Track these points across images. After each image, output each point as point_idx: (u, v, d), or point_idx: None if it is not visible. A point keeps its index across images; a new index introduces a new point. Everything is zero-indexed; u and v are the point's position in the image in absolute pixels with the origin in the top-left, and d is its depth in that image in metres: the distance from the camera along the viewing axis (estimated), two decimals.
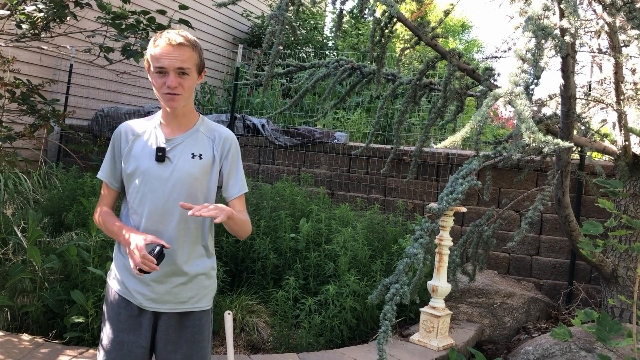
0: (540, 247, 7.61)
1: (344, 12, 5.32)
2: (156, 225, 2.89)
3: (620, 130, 5.83)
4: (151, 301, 2.93)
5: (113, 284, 3.04)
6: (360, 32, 17.41)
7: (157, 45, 2.84)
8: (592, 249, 4.26)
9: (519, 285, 7.12)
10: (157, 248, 2.75)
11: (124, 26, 5.87)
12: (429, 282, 5.82)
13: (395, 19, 5.33)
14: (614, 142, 6.07)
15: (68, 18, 5.96)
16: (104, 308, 3.08)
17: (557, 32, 3.96)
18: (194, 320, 3.02)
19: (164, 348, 2.97)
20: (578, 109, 6.14)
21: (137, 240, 2.74)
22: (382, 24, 5.38)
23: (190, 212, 2.65)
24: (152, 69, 2.88)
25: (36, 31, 5.99)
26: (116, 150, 3.02)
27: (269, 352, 5.53)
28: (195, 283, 3.00)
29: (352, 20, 18.24)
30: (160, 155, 2.91)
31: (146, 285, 2.92)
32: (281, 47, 5.08)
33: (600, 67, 6.92)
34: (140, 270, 2.71)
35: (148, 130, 3.00)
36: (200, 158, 2.96)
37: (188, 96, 2.93)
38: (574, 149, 6.24)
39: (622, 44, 5.50)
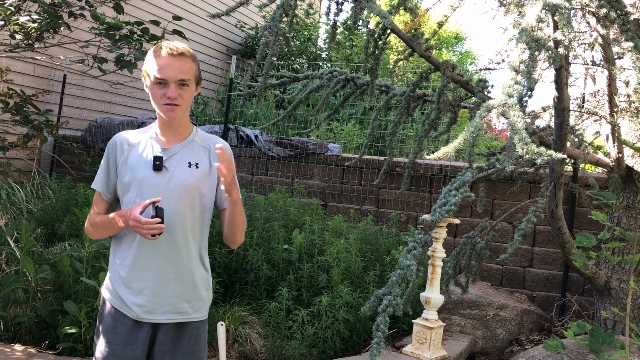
0: (533, 259, 7.63)
1: (338, 23, 5.32)
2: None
3: (614, 143, 5.84)
4: (149, 312, 2.92)
5: (108, 297, 3.02)
6: (354, 43, 17.45)
7: (158, 56, 2.85)
8: (585, 261, 4.26)
9: (512, 297, 7.14)
10: (151, 208, 2.77)
11: (117, 37, 5.89)
12: (422, 294, 5.81)
13: (389, 31, 5.32)
14: (607, 154, 6.07)
15: (62, 28, 5.98)
16: (98, 321, 3.06)
17: (551, 44, 3.96)
18: (191, 330, 3.02)
19: (160, 359, 2.97)
20: (571, 121, 6.16)
21: (132, 215, 2.77)
22: (375, 36, 5.37)
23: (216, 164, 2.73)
24: (150, 80, 2.88)
25: (30, 41, 6.00)
26: (110, 161, 3.01)
27: None
28: (193, 293, 3.01)
29: (346, 32, 18.30)
30: (158, 164, 2.92)
31: (143, 296, 2.91)
32: (275, 58, 5.08)
33: (593, 80, 6.94)
34: (153, 235, 2.76)
35: (143, 141, 3.00)
36: (197, 167, 2.98)
37: (186, 107, 2.95)
38: (567, 161, 6.24)
39: (615, 56, 5.52)
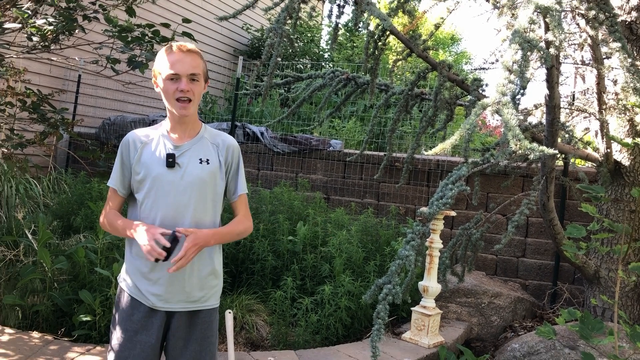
0: (526, 250, 7.74)
1: (340, 25, 5.32)
2: (169, 229, 2.93)
3: (602, 138, 5.92)
4: (164, 301, 3.01)
5: (125, 286, 3.10)
6: (354, 44, 17.54)
7: (169, 53, 2.96)
8: (575, 251, 4.23)
9: (505, 286, 7.22)
10: (170, 237, 2.85)
11: (129, 39, 5.85)
12: (420, 283, 5.93)
13: (388, 32, 5.37)
14: (596, 149, 6.16)
15: (77, 31, 5.94)
16: (115, 310, 3.14)
17: (543, 44, 4.06)
18: (203, 317, 3.10)
19: (174, 345, 3.06)
20: (562, 118, 6.17)
21: (151, 229, 2.87)
22: (375, 37, 5.42)
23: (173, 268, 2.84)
24: (162, 77, 2.99)
25: (46, 43, 5.96)
26: (124, 159, 3.08)
27: (268, 349, 5.60)
28: (205, 282, 3.10)
29: (347, 33, 18.35)
30: (171, 161, 2.99)
31: (159, 286, 3.00)
32: (279, 59, 5.08)
33: (583, 78, 6.92)
34: (157, 259, 2.82)
35: (155, 138, 3.08)
36: (208, 163, 3.06)
37: (197, 103, 3.03)
38: (559, 156, 6.34)
39: (604, 56, 5.57)
